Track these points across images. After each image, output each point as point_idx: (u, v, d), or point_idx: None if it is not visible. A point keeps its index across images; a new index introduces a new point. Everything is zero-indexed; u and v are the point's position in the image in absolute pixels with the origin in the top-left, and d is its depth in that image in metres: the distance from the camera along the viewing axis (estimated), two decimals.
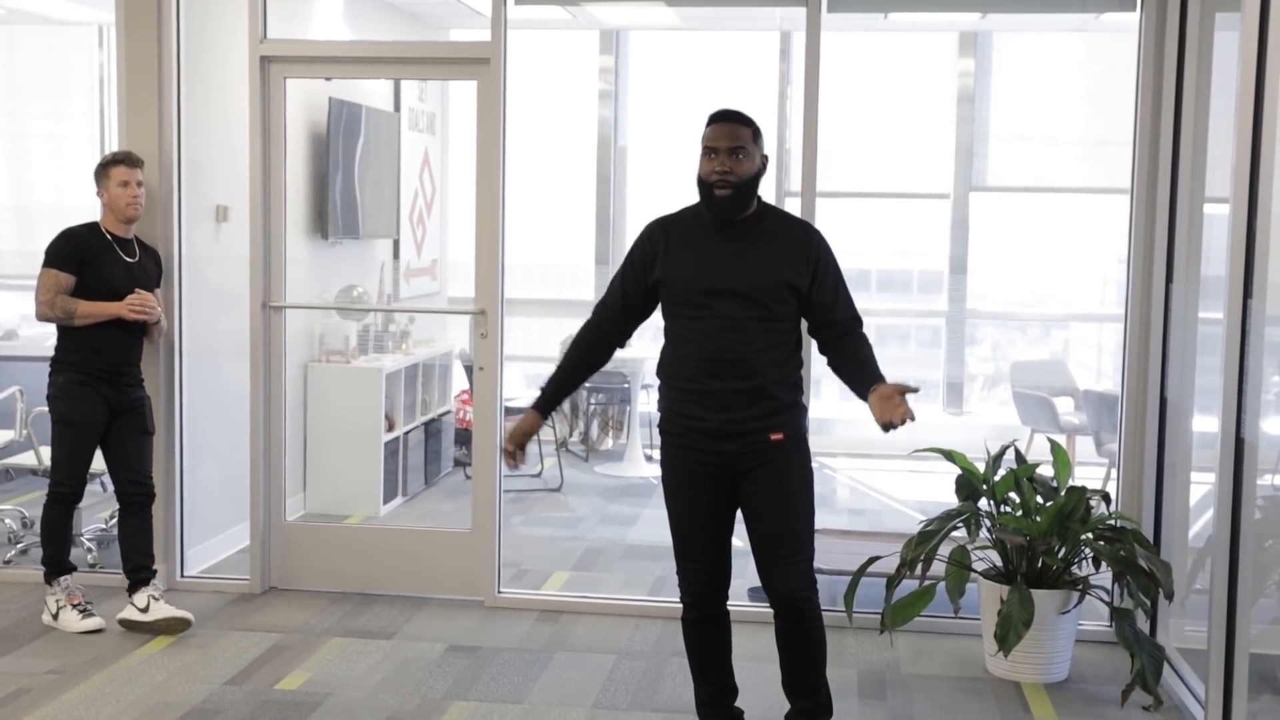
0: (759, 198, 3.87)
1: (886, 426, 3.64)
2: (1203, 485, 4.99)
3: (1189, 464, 4.98)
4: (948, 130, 9.75)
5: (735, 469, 3.83)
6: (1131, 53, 5.22)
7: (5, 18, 8.43)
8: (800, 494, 3.85)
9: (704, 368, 3.79)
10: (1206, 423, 4.96)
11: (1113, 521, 4.86)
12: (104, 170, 5.18)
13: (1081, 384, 9.04)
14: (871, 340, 3.90)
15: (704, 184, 3.79)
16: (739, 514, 3.92)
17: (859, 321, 3.89)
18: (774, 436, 3.79)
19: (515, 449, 3.98)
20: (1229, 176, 4.08)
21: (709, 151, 3.77)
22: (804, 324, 3.93)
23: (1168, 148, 5.02)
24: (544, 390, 4.04)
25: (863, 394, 3.77)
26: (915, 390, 3.66)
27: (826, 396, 10.00)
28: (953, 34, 9.71)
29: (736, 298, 3.76)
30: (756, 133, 3.82)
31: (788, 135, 9.37)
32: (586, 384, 8.96)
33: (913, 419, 3.63)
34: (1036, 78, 9.93)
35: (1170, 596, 4.62)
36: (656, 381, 3.99)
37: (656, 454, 4.00)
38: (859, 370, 3.82)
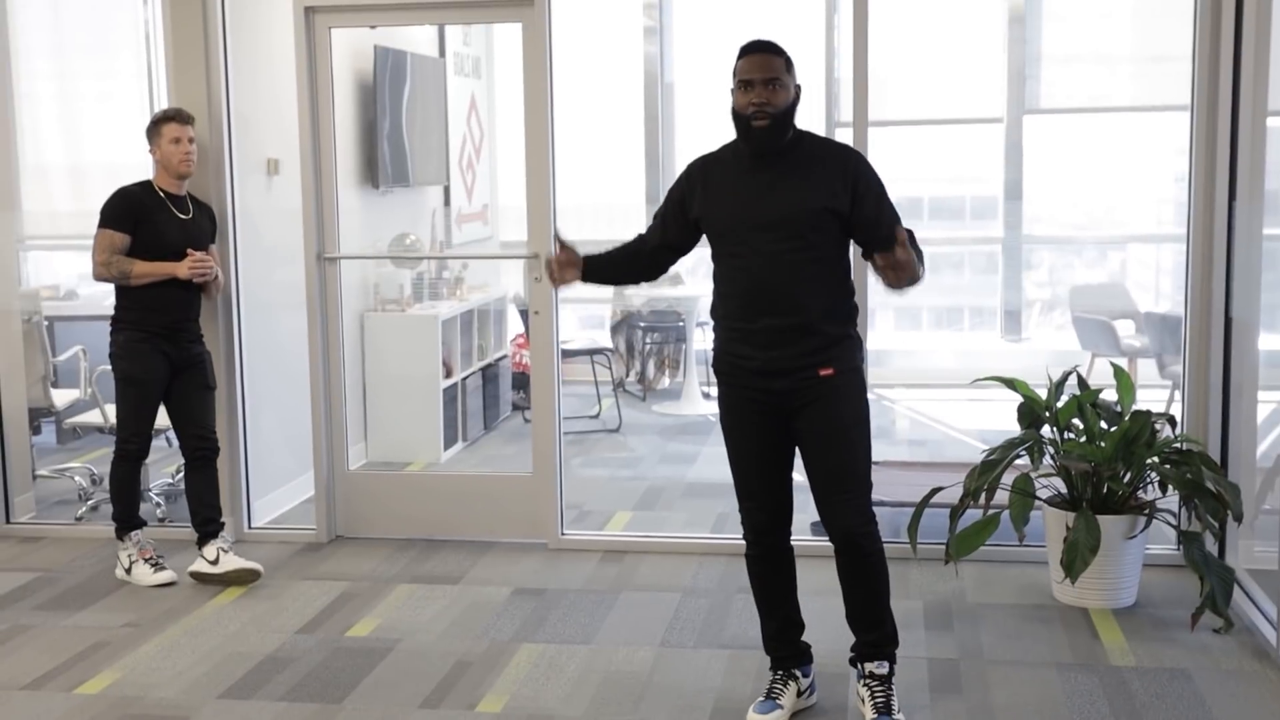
0: (794, 127, 3.82)
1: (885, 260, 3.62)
2: (1270, 404, 4.92)
3: (1255, 383, 4.90)
4: (999, 53, 9.59)
5: (788, 406, 3.80)
6: None
7: None
8: (855, 428, 3.82)
9: (748, 306, 3.77)
10: (1274, 341, 4.89)
11: (1178, 444, 4.81)
12: (155, 128, 5.20)
13: (1142, 306, 8.92)
14: (926, 269, 3.82)
15: (740, 117, 3.74)
16: (798, 449, 3.91)
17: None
18: (823, 372, 3.75)
19: (557, 265, 3.90)
20: None
21: (744, 84, 3.72)
22: (854, 251, 3.88)
23: (1228, 61, 4.90)
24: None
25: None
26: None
27: (882, 327, 9.96)
28: None
29: (774, 229, 3.71)
30: (789, 63, 3.77)
31: (836, 65, 9.25)
32: (641, 323, 8.98)
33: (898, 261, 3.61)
34: None
35: (1239, 518, 4.57)
36: (711, 320, 3.98)
37: (713, 391, 3.99)
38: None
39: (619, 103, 9.82)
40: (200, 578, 5.23)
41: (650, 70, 9.77)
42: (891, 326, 10.32)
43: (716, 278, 3.89)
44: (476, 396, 7.76)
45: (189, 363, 5.28)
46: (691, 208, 3.87)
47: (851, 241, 3.84)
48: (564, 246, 3.92)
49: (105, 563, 5.48)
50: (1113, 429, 4.79)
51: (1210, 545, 4.83)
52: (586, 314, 9.89)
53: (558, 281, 3.96)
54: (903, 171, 9.57)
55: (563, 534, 5.67)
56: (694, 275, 9.05)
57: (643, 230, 4.05)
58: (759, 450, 3.87)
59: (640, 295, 9.08)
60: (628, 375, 9.19)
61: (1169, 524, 4.84)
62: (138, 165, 5.42)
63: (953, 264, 10.37)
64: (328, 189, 5.70)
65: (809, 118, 3.91)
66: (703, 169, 3.90)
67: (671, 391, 9.08)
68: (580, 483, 6.80)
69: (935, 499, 4.83)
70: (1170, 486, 4.72)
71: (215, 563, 5.22)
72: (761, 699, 3.99)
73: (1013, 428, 5.02)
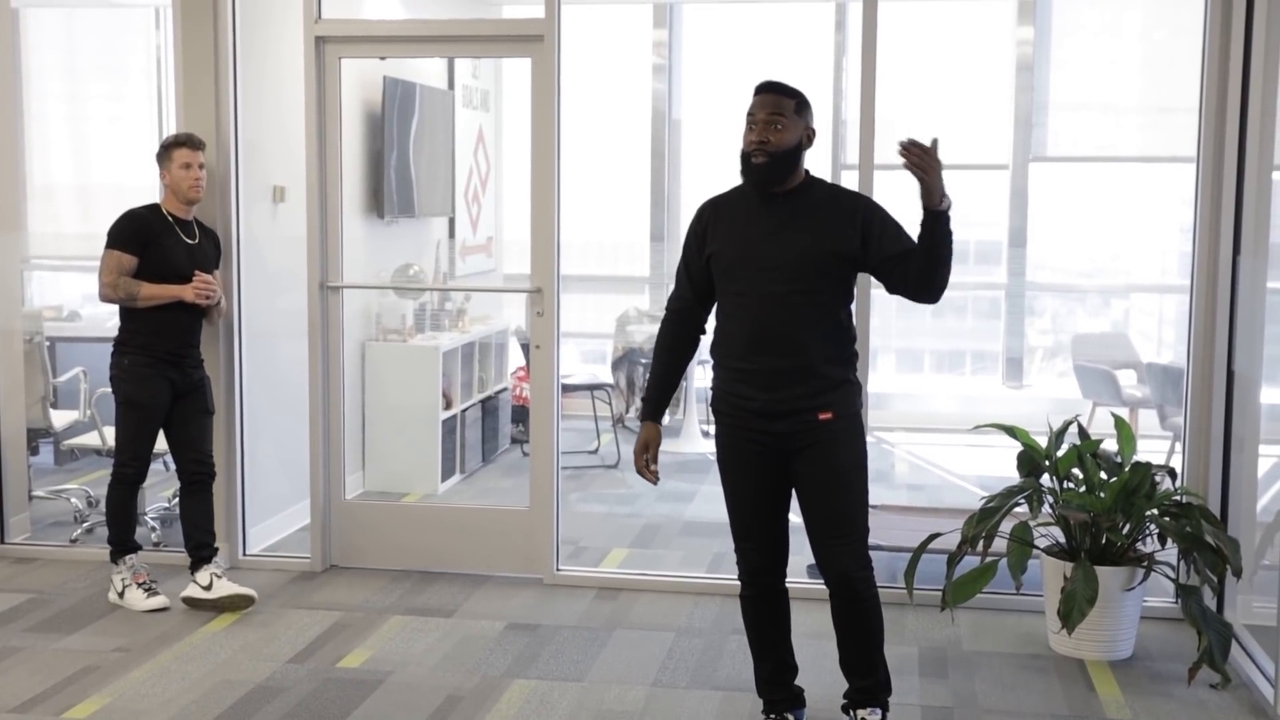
0: (807, 171, 3.83)
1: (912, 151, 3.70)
2: (1271, 458, 4.91)
3: (1256, 437, 4.89)
4: (1006, 100, 9.62)
5: (786, 448, 3.80)
6: (1196, 17, 5.11)
7: (65, 0, 8.50)
8: (853, 472, 3.82)
9: (750, 346, 3.77)
10: (1275, 394, 4.88)
11: (1179, 497, 4.79)
12: (166, 152, 5.21)
13: (1144, 356, 8.91)
14: (929, 311, 3.84)
15: (743, 154, 3.78)
16: (794, 492, 3.89)
17: None
18: (823, 416, 3.76)
19: (650, 464, 3.99)
20: None
21: (749, 122, 3.76)
22: (854, 304, 3.89)
23: (1235, 114, 4.92)
24: (648, 399, 4.02)
25: (922, 221, 3.77)
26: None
27: (883, 370, 9.94)
28: (1011, 1, 9.57)
29: (780, 271, 3.72)
30: (801, 104, 3.78)
31: (844, 107, 9.28)
32: (642, 359, 8.97)
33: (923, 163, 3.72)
34: (1097, 45, 9.76)
35: (1238, 573, 4.54)
36: (711, 359, 3.97)
37: (713, 429, 3.99)
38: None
39: (626, 139, 9.84)
40: (193, 603, 5.21)
41: (658, 107, 9.80)
42: (893, 369, 10.31)
43: (719, 316, 3.89)
44: (475, 429, 7.74)
45: (191, 388, 5.27)
46: (706, 246, 3.87)
47: (856, 283, 3.86)
48: (643, 454, 4.00)
49: (98, 586, 5.46)
50: (1112, 480, 4.78)
51: (1209, 599, 4.80)
52: (588, 349, 9.88)
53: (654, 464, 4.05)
54: (907, 215, 9.56)
55: (558, 569, 5.64)
56: None
57: (648, 275, 4.05)
58: (756, 491, 3.87)
59: (642, 331, 9.07)
60: (627, 411, 9.16)
61: (1168, 577, 4.81)
62: (145, 188, 5.44)
63: (956, 308, 10.36)
64: (333, 217, 5.71)
65: (815, 158, 3.92)
66: (713, 208, 3.91)
67: (670, 429, 9.04)
68: (577, 518, 6.78)
69: (933, 545, 4.81)
70: (1169, 539, 4.70)
71: (208, 588, 5.19)
72: None
73: (1012, 475, 5.00)
